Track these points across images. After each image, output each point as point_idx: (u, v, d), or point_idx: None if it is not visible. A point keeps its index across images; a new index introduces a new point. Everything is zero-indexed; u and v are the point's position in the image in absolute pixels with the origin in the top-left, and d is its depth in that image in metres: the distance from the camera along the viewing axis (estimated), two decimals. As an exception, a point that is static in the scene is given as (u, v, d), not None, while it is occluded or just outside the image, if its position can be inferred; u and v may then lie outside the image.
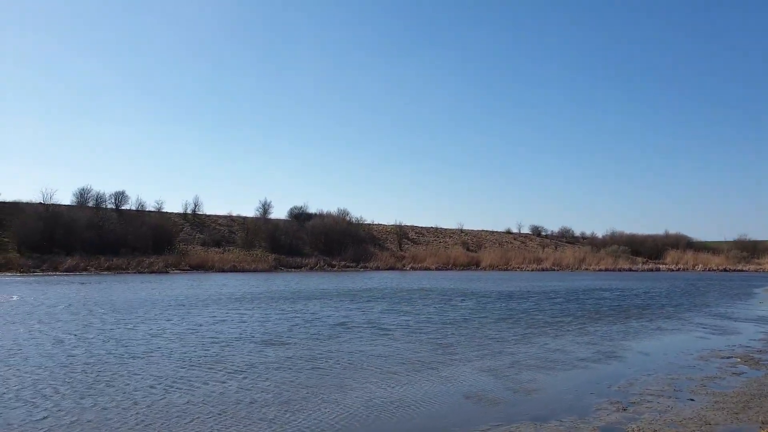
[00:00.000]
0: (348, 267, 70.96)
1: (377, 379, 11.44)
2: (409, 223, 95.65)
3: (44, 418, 8.57)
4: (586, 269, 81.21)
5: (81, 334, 16.59)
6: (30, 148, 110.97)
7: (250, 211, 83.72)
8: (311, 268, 67.84)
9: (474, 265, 79.60)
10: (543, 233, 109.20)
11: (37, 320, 19.37)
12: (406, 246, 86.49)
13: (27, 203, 63.80)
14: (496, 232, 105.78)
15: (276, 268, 65.60)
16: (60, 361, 12.61)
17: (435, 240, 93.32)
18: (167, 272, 55.44)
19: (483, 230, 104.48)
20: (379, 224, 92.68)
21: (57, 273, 49.60)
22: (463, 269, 75.92)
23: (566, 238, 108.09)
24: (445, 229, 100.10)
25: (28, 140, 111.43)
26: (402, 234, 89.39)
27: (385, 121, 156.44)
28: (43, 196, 66.04)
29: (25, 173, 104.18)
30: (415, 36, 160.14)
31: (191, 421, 8.42)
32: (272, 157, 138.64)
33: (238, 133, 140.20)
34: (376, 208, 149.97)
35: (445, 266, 76.47)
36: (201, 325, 18.86)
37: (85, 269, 52.52)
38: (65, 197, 70.34)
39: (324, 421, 8.57)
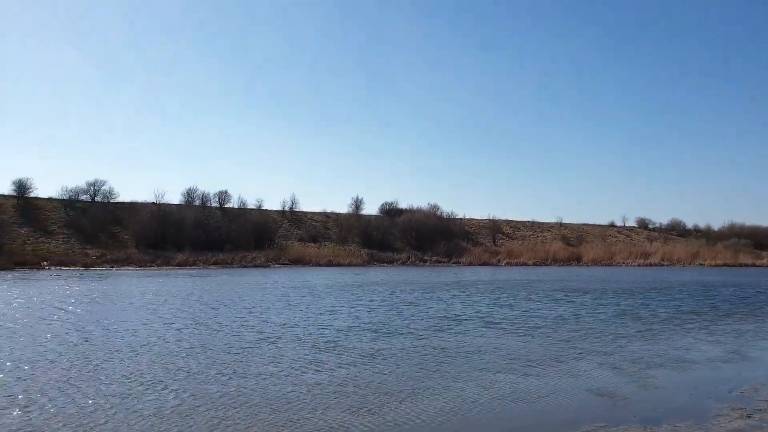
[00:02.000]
0: (440, 262, 70.25)
1: (496, 370, 11.27)
2: (503, 218, 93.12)
3: (190, 396, 8.99)
4: (701, 264, 74.75)
5: (212, 322, 17.51)
6: (144, 152, 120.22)
7: (343, 207, 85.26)
8: (403, 263, 67.87)
9: (575, 260, 75.86)
10: (650, 226, 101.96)
11: (170, 308, 20.79)
12: (501, 241, 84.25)
13: (142, 203, 68.95)
14: (599, 225, 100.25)
15: (369, 262, 66.29)
16: (201, 343, 13.67)
17: (532, 234, 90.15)
18: (268, 266, 57.67)
19: (584, 224, 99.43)
20: (471, 219, 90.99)
21: (169, 267, 53.08)
22: (562, 265, 72.57)
23: (677, 230, 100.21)
24: (543, 223, 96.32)
25: (142, 144, 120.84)
26: (496, 228, 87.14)
27: (476, 116, 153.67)
28: (156, 196, 71.20)
29: (140, 176, 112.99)
30: (504, 33, 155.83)
31: (320, 404, 8.71)
32: (364, 155, 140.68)
33: (332, 132, 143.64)
34: (468, 202, 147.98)
35: (543, 262, 73.56)
36: (320, 314, 19.51)
37: (194, 264, 55.83)
38: (174, 197, 75.31)
39: (447, 408, 8.67)
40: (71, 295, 26.02)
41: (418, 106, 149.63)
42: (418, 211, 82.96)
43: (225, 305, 22.17)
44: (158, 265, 53.75)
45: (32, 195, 64.47)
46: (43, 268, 47.35)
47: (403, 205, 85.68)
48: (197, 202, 73.65)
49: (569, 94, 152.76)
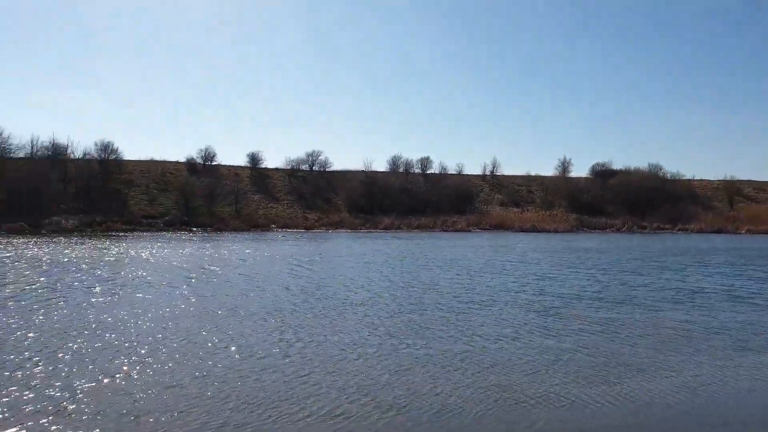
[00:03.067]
0: (662, 229, 62.34)
1: (744, 349, 9.46)
2: (744, 178, 79.08)
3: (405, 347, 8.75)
4: None
5: (429, 282, 17.58)
6: (354, 122, 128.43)
7: (548, 169, 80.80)
8: (617, 230, 61.71)
9: None
10: None
11: (390, 267, 21.56)
12: (741, 205, 71.72)
13: (353, 171, 73.61)
14: None
15: (577, 228, 61.66)
16: (422, 301, 13.61)
17: (782, 197, 75.16)
18: (469, 231, 57.17)
19: None
20: (701, 180, 79.09)
21: (377, 230, 55.74)
22: (827, 233, 59.04)
23: None
24: (797, 184, 79.69)
25: (349, 113, 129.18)
26: (734, 191, 74.44)
27: (703, 59, 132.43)
28: (365, 164, 75.48)
29: (350, 145, 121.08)
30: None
31: (553, 371, 8.07)
32: (571, 113, 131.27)
33: (535, 91, 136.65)
34: (697, 161, 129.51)
35: (798, 229, 60.72)
36: (535, 279, 18.30)
37: (398, 227, 57.85)
38: (381, 165, 79.06)
39: (686, 387, 7.54)
40: (303, 253, 28.41)
41: (627, 57, 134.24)
42: (636, 171, 74.61)
43: (438, 267, 22.02)
44: (367, 228, 56.79)
45: (263, 166, 72.99)
46: (271, 230, 53.28)
47: (617, 165, 77.96)
48: (401, 169, 76.13)
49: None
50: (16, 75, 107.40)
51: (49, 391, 6.70)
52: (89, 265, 20.87)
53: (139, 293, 14.27)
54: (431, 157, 78.32)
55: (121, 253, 26.39)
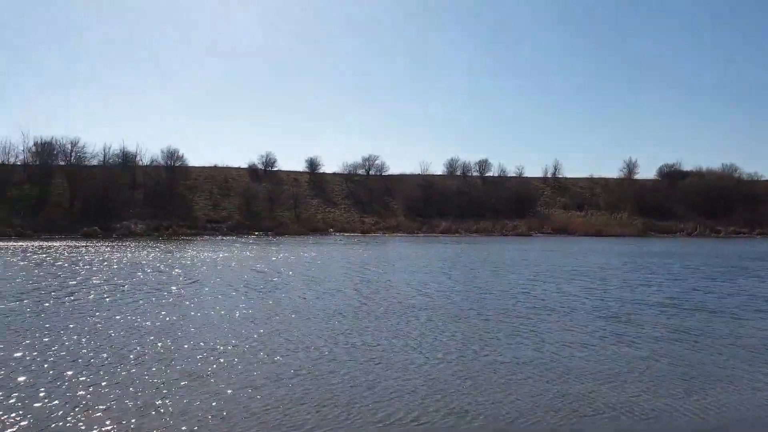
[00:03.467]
0: (739, 233, 58.89)
1: None
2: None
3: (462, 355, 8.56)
4: None
5: (496, 287, 17.28)
6: (411, 125, 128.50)
7: (613, 171, 77.92)
8: (689, 234, 58.79)
9: None
10: None
11: (454, 272, 21.29)
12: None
13: (409, 175, 73.67)
14: None
15: (644, 232, 59.16)
16: (484, 306, 13.33)
17: None
18: (529, 235, 55.93)
19: None
20: (782, 181, 74.29)
21: (433, 234, 55.42)
22: None
23: None
24: None
25: (405, 116, 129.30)
26: (818, 192, 69.43)
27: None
28: (421, 167, 75.43)
29: (406, 150, 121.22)
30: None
31: (630, 380, 7.64)
32: (637, 114, 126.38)
33: (594, 94, 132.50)
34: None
35: None
36: (605, 287, 17.54)
37: (455, 231, 57.30)
38: (438, 168, 78.70)
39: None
40: (362, 257, 28.66)
41: (699, 50, 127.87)
42: (709, 172, 70.96)
43: (500, 271, 21.70)
44: (424, 232, 56.57)
45: (320, 171, 74.17)
46: (329, 234, 53.98)
47: (687, 166, 74.39)
48: (459, 172, 75.53)
49: None
50: (90, 88, 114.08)
51: (134, 389, 6.95)
52: (165, 266, 21.83)
53: (209, 296, 14.72)
54: (489, 160, 77.35)
55: (191, 257, 27.42)
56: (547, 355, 8.88)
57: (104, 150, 63.11)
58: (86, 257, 26.08)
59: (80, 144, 60.46)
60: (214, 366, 8.01)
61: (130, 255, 27.46)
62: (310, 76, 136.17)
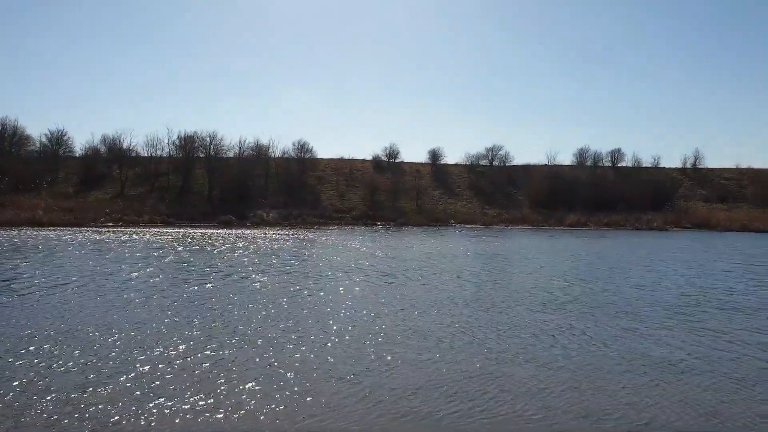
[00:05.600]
0: None
1: None
2: None
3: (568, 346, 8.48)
4: None
5: (622, 282, 16.82)
6: (537, 112, 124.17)
7: (764, 160, 69.66)
8: None
9: None
10: None
11: (594, 269, 21.00)
12: None
13: (535, 165, 71.41)
14: None
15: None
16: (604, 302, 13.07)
17: None
18: (666, 230, 51.82)
19: None
20: None
21: (561, 228, 53.31)
22: None
23: None
24: None
25: (532, 102, 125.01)
26: None
27: None
28: (548, 157, 72.77)
29: (534, 139, 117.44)
30: None
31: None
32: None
33: (739, 74, 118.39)
34: None
35: None
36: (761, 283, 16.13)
37: (585, 225, 54.60)
38: (566, 158, 75.41)
39: None
40: (484, 249, 28.67)
41: None
42: None
43: (634, 266, 20.72)
44: (550, 225, 54.60)
45: (442, 162, 74.38)
46: (451, 225, 54.06)
47: None
48: (589, 162, 71.89)
49: None
50: (230, 87, 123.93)
51: (257, 364, 7.81)
52: (298, 250, 23.51)
53: (332, 281, 15.69)
54: (623, 149, 72.61)
55: (323, 243, 29.13)
56: (700, 356, 8.46)
57: (240, 143, 68.14)
58: (234, 243, 28.74)
59: (218, 137, 65.87)
60: (335, 348, 8.67)
61: (272, 240, 29.81)
62: (434, 65, 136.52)
